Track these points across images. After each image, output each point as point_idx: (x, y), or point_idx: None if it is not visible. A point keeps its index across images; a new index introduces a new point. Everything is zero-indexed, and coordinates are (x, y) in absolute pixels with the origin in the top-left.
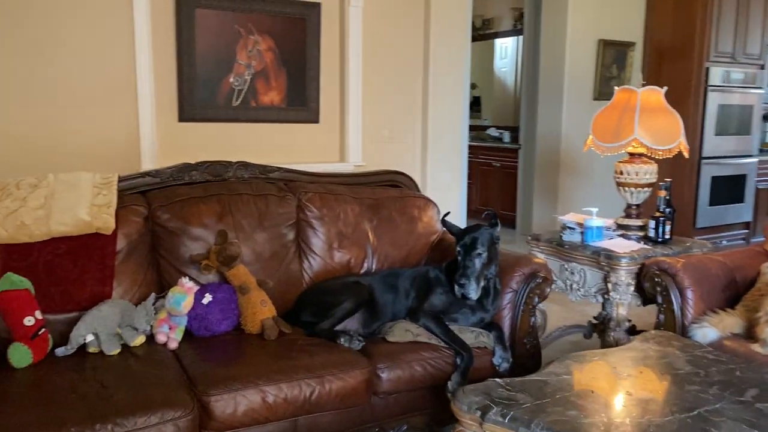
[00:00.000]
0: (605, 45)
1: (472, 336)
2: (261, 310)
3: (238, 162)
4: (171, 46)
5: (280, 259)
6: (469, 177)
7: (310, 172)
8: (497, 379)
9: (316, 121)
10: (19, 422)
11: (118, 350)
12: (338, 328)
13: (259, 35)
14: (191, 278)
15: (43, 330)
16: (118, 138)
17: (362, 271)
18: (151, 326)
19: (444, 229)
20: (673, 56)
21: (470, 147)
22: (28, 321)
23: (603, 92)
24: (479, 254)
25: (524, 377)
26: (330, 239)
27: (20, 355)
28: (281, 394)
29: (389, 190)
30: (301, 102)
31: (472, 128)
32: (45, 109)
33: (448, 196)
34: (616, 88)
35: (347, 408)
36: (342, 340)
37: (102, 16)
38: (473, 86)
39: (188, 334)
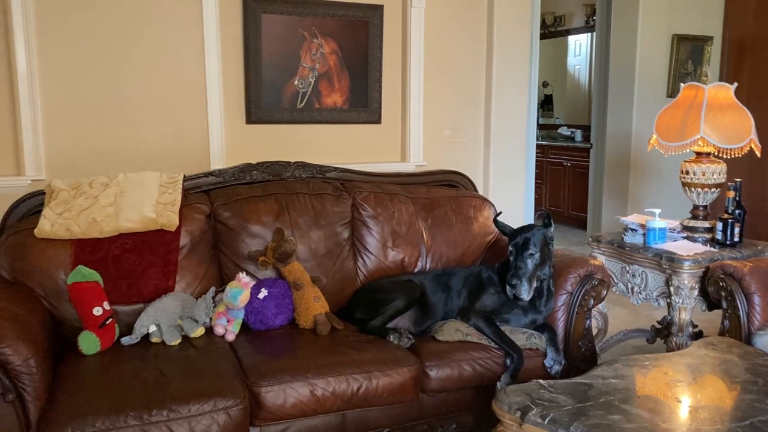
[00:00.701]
0: (680, 40)
1: (523, 337)
2: (314, 306)
3: (296, 162)
4: (239, 51)
5: (335, 257)
6: (539, 177)
7: (366, 171)
8: (540, 381)
9: (377, 121)
10: (85, 404)
11: (179, 341)
12: (389, 325)
13: (322, 38)
14: (249, 273)
15: (111, 320)
16: (189, 140)
17: (416, 270)
18: (210, 319)
19: (499, 229)
20: (755, 50)
21: (540, 146)
22: (97, 311)
23: (677, 89)
24: (532, 255)
25: (568, 379)
26: (384, 238)
27: (89, 343)
28: (329, 388)
29: (445, 190)
30: (363, 103)
31: (542, 127)
32: (121, 114)
33: (512, 196)
34: (682, 84)
35: (395, 404)
36: (392, 337)
37: (173, 24)
38: (545, 84)
39: (245, 327)
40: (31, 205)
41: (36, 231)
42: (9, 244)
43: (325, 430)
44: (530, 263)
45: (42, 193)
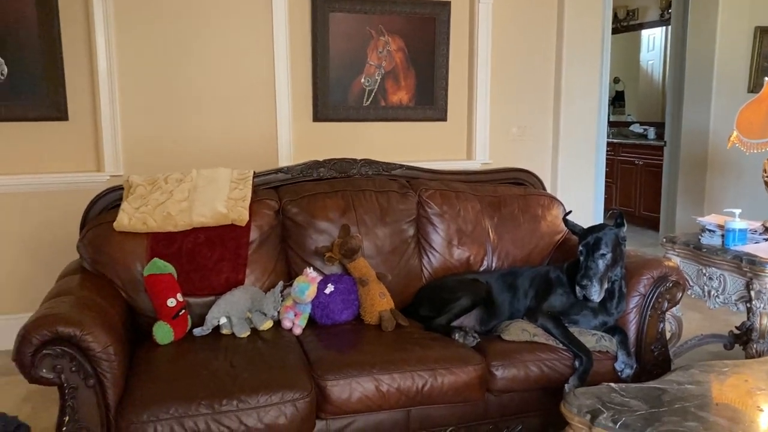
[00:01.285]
0: (763, 32)
1: (593, 339)
2: (379, 302)
3: (362, 159)
4: (307, 49)
5: (400, 254)
6: (609, 176)
7: (432, 169)
8: (611, 384)
9: (443, 119)
10: (159, 392)
11: (248, 333)
12: (454, 324)
13: (389, 36)
14: (316, 269)
15: (184, 311)
16: (257, 137)
17: (482, 269)
18: (278, 312)
19: (568, 228)
20: None
21: (611, 144)
22: (171, 302)
23: (760, 84)
24: (603, 255)
25: (641, 384)
26: (449, 236)
27: (163, 333)
28: (394, 384)
29: (512, 188)
30: (429, 100)
31: (613, 124)
32: (193, 112)
33: (581, 195)
34: (766, 79)
35: (459, 403)
36: (457, 335)
37: (243, 23)
38: (616, 80)
39: (311, 321)
40: (110, 199)
41: (115, 224)
42: (90, 236)
43: (390, 426)
44: (601, 264)
45: (120, 188)
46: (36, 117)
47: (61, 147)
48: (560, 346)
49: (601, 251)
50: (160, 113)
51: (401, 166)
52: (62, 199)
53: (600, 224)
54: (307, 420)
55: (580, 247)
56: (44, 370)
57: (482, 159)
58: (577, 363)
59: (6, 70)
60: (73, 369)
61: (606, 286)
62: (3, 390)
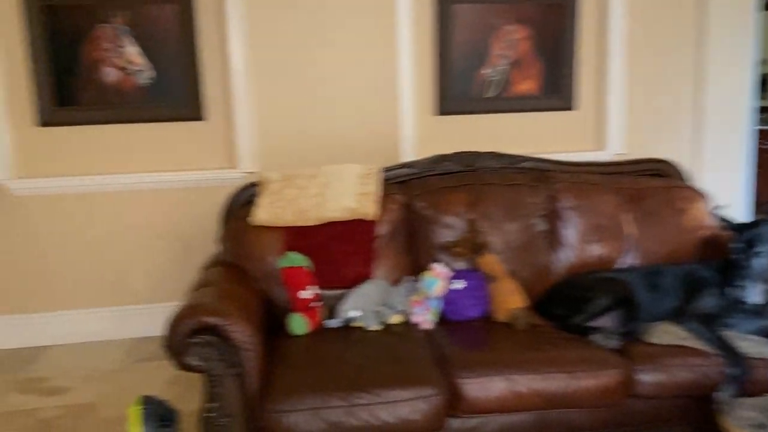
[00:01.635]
0: None
1: (750, 345)
2: (510, 300)
3: (489, 152)
4: (429, 42)
5: (530, 250)
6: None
7: (563, 161)
8: None
9: (571, 108)
10: (297, 383)
11: (378, 326)
12: (592, 324)
13: (514, 25)
14: (443, 264)
15: (317, 303)
16: (380, 132)
17: (618, 267)
18: (408, 306)
19: (719, 224)
20: None
21: (762, 132)
22: (304, 294)
23: None
24: (759, 253)
25: None
26: (583, 231)
27: (298, 324)
28: (530, 385)
29: (652, 180)
30: (556, 89)
31: (764, 109)
32: (320, 109)
33: (726, 187)
34: None
35: (599, 407)
36: (596, 337)
37: (366, 17)
38: (763, 62)
39: (441, 316)
40: (248, 195)
41: (252, 219)
42: (230, 230)
43: (524, 429)
44: (759, 263)
45: (257, 184)
46: (176, 117)
47: (199, 146)
48: (712, 351)
49: (758, 249)
50: (290, 111)
51: (529, 158)
52: (200, 196)
53: (757, 219)
54: (439, 417)
55: (735, 245)
56: (192, 358)
57: (615, 149)
58: (731, 370)
59: (153, 74)
60: (219, 358)
61: (765, 287)
62: (151, 374)
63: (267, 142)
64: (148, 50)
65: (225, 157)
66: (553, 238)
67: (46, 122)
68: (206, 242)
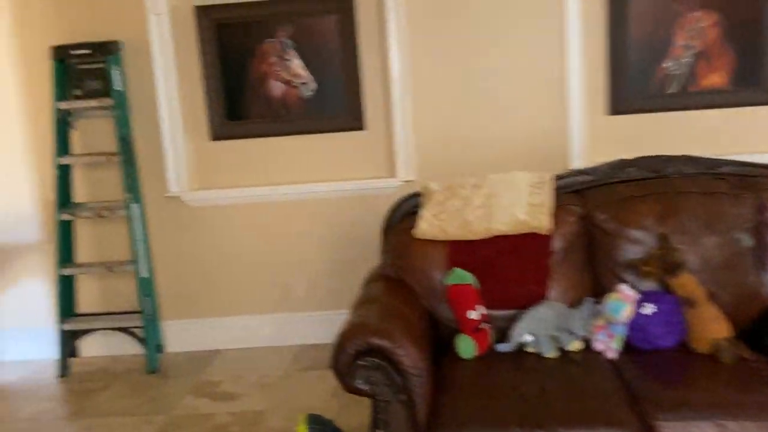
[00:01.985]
0: None
1: None
2: (712, 328)
3: (680, 156)
4: (601, 35)
5: (735, 269)
6: None
7: None
8: None
9: None
10: (468, 413)
11: (556, 353)
12: None
13: (699, 11)
14: (629, 284)
15: (485, 325)
16: (546, 136)
17: None
18: (589, 332)
19: None
20: None
21: None
22: (472, 314)
23: None
24: None
25: None
26: None
27: (466, 346)
28: None
29: None
30: (752, 81)
31: None
32: (481, 114)
33: None
34: None
35: None
36: None
37: (532, 15)
38: None
39: (626, 344)
40: (410, 206)
41: (415, 232)
42: (392, 243)
43: None
44: None
45: (419, 194)
46: (337, 128)
47: (359, 155)
48: None
49: None
50: (449, 117)
51: (730, 162)
52: (359, 205)
53: None
54: None
55: None
56: (359, 381)
57: None
58: None
59: (314, 86)
60: (385, 382)
61: None
62: (316, 383)
63: (426, 150)
64: (310, 63)
65: (384, 165)
66: (761, 256)
67: (217, 136)
68: (366, 251)
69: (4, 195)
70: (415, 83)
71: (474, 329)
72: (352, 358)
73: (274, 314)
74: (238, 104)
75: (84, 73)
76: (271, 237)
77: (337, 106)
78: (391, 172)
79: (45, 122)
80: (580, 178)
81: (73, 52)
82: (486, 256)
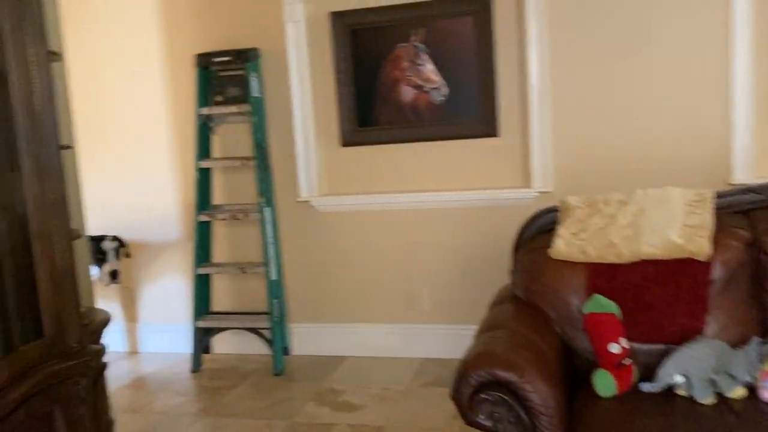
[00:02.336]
0: None
1: None
2: None
3: None
4: None
5: None
6: None
7: None
8: None
9: None
10: None
11: (712, 400)
12: None
13: None
14: None
15: (628, 360)
16: (702, 146)
17: None
18: (754, 378)
19: None
20: None
21: None
22: (614, 348)
23: None
24: None
25: None
26: None
27: (605, 384)
28: None
29: None
30: None
31: None
32: (630, 122)
33: None
34: None
35: None
36: None
37: (691, 5)
38: None
39: None
40: (545, 222)
41: (551, 251)
42: (524, 262)
43: None
44: None
45: (556, 209)
46: (469, 134)
47: (492, 164)
48: None
49: None
50: (592, 125)
51: None
52: (491, 215)
53: None
54: None
55: None
56: (481, 416)
57: None
58: None
59: (447, 91)
60: (511, 420)
61: None
62: (437, 402)
63: (564, 159)
64: (442, 67)
65: (519, 175)
66: None
67: (347, 142)
68: (497, 265)
69: (152, 195)
70: (554, 87)
71: (615, 364)
72: (474, 390)
73: (398, 324)
74: (369, 110)
75: (225, 79)
76: (398, 245)
77: (470, 111)
78: (526, 182)
79: (189, 127)
80: (746, 197)
81: (215, 59)
82: (632, 282)
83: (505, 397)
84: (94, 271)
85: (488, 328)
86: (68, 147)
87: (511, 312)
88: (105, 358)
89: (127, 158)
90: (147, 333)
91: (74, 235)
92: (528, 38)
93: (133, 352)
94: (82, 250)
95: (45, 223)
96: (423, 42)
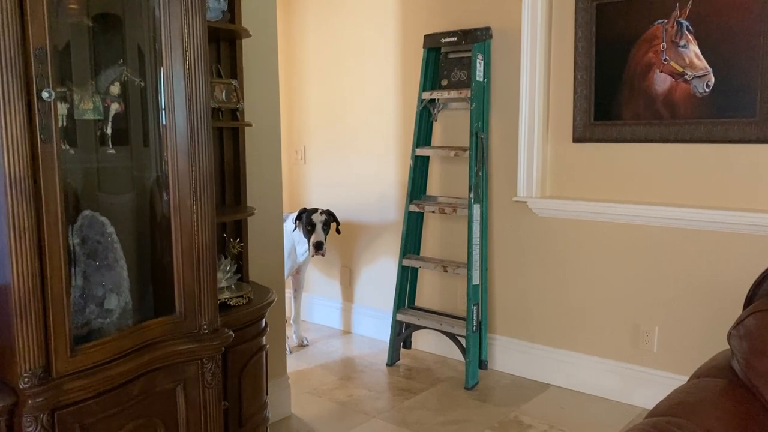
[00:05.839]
0: None
1: None
2: None
3: None
4: None
5: None
6: None
7: None
8: None
9: None
10: None
11: None
12: None
13: None
14: None
15: None
16: None
17: None
18: None
19: None
20: None
21: None
22: None
23: None
24: None
25: None
26: None
27: None
28: None
29: None
30: None
31: None
32: None
33: None
34: None
35: None
36: None
37: None
38: None
39: None
40: None
41: None
42: (750, 325)
43: None
44: None
45: None
46: (740, 138)
47: (762, 178)
48: None
49: None
50: None
51: None
52: (757, 246)
53: None
54: None
55: None
56: None
57: None
58: None
59: (713, 80)
60: None
61: None
62: None
63: None
64: (709, 49)
65: None
66: None
67: (579, 138)
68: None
69: (379, 178)
70: None
71: None
72: None
73: (618, 362)
74: (608, 101)
75: (454, 62)
76: (629, 267)
77: (744, 109)
78: None
79: (413, 112)
80: None
81: (443, 39)
82: None
83: None
84: (303, 244)
85: (682, 404)
86: (248, 124)
87: (713, 393)
88: (310, 336)
89: (353, 141)
90: (360, 315)
91: (248, 212)
92: None
93: (347, 332)
94: (277, 230)
95: (183, 198)
96: (687, 18)
